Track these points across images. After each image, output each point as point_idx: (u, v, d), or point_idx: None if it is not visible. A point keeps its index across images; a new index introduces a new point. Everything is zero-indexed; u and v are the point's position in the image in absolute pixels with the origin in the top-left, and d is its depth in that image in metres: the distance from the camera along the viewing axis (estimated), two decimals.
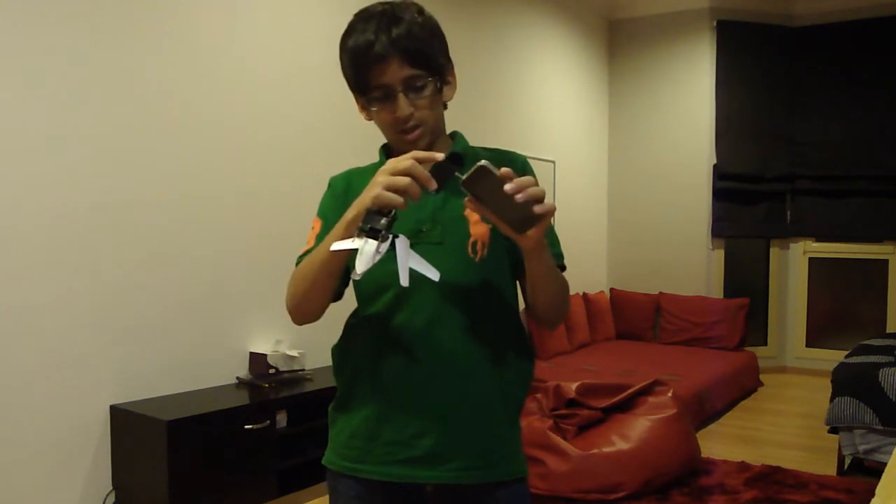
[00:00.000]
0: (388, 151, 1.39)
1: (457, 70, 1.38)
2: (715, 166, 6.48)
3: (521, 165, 1.38)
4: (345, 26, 1.31)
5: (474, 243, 1.30)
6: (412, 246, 1.22)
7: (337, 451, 1.38)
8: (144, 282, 3.18)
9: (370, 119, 1.32)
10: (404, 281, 1.12)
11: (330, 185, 1.43)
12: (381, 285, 1.30)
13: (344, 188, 1.39)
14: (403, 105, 1.26)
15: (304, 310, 1.31)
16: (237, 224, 3.57)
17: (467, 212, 1.30)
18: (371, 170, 1.35)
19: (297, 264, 1.34)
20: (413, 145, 1.30)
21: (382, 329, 1.30)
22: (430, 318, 1.27)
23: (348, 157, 1.56)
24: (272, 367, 3.55)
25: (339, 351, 1.39)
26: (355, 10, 1.30)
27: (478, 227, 1.31)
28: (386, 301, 1.30)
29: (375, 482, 1.33)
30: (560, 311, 1.36)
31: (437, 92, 1.30)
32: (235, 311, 3.57)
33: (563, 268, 1.39)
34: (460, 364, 1.29)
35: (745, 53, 6.48)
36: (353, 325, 1.36)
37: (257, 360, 3.57)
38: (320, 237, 1.31)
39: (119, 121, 3.08)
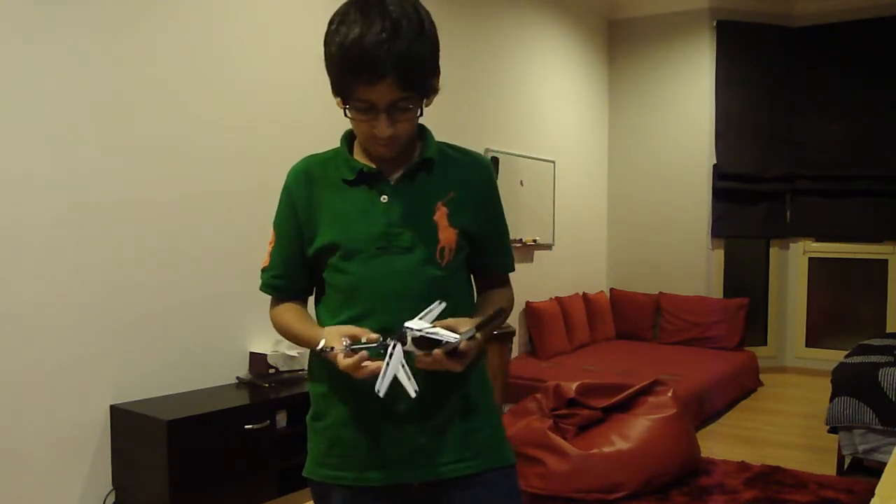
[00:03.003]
0: (350, 142, 1.39)
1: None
2: (715, 166, 6.48)
3: (486, 174, 1.41)
4: None
5: (442, 249, 1.31)
6: (381, 250, 1.27)
7: (317, 461, 1.38)
8: (144, 282, 3.18)
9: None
10: (382, 390, 1.15)
11: (286, 188, 1.40)
12: (349, 295, 1.31)
13: (306, 190, 1.37)
14: (384, 126, 1.23)
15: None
16: (237, 224, 3.57)
17: (436, 216, 1.31)
18: (331, 157, 1.36)
19: (262, 278, 1.39)
20: (382, 155, 1.31)
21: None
22: (397, 323, 1.26)
23: None
24: (272, 366, 3.55)
25: (313, 360, 1.39)
26: None
27: (446, 233, 1.31)
28: (354, 309, 1.30)
29: (360, 486, 1.33)
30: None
31: (419, 110, 1.27)
32: (235, 311, 3.57)
33: (512, 269, 1.45)
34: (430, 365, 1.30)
35: (745, 53, 6.47)
36: None
37: (257, 359, 3.57)
38: (275, 253, 1.37)
39: (119, 121, 3.08)
